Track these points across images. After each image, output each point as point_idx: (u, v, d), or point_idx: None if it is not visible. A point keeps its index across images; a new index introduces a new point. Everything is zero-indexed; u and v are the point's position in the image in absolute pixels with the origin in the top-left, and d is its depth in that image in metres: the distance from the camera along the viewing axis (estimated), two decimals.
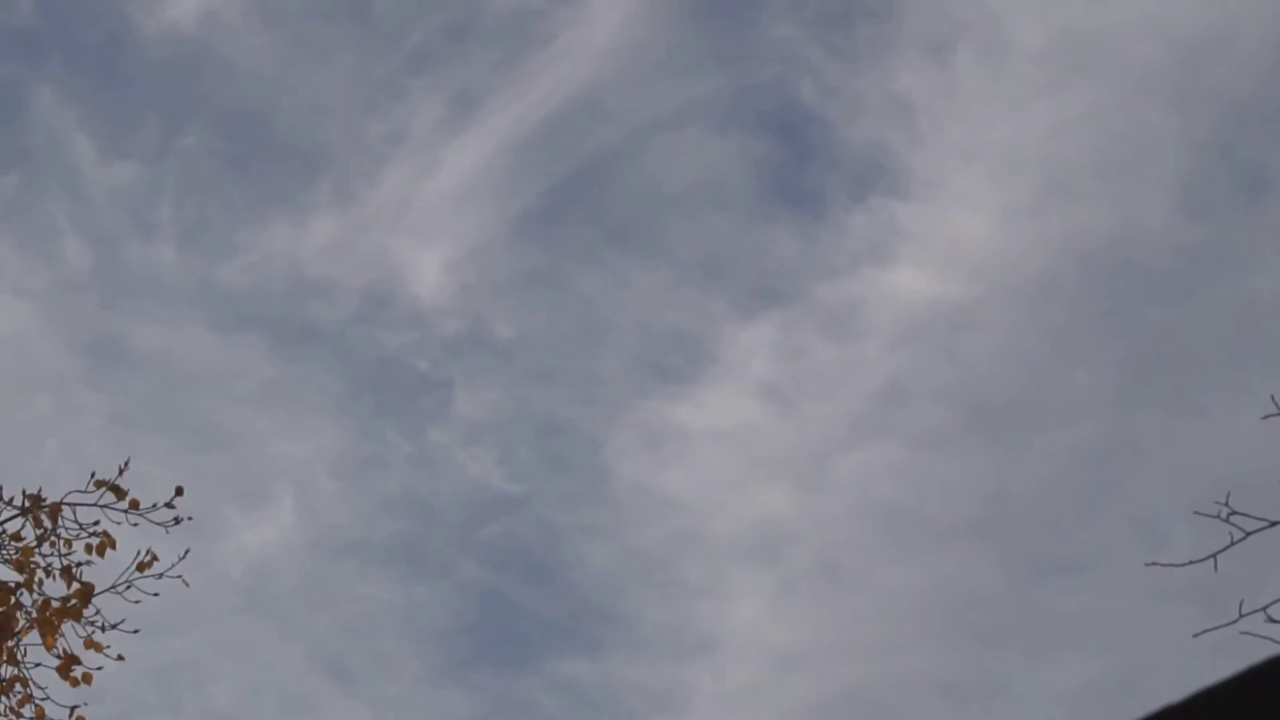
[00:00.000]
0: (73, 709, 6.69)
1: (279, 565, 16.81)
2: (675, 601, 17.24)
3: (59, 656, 6.62)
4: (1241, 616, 4.10)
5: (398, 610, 16.98)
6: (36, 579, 6.64)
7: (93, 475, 6.72)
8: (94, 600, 6.71)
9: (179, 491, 6.80)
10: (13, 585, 6.57)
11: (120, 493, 6.71)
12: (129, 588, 6.82)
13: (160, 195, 17.46)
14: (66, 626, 6.66)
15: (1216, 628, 4.16)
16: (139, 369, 17.63)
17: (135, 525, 6.76)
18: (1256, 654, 1.79)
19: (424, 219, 17.81)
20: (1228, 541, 4.31)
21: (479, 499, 17.36)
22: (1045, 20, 16.81)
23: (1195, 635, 4.24)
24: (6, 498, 6.64)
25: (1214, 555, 4.32)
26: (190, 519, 6.84)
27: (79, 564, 6.70)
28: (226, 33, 17.22)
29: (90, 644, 6.70)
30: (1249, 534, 4.27)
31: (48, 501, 6.66)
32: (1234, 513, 4.30)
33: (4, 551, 6.65)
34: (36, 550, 6.65)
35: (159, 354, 17.55)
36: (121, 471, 6.74)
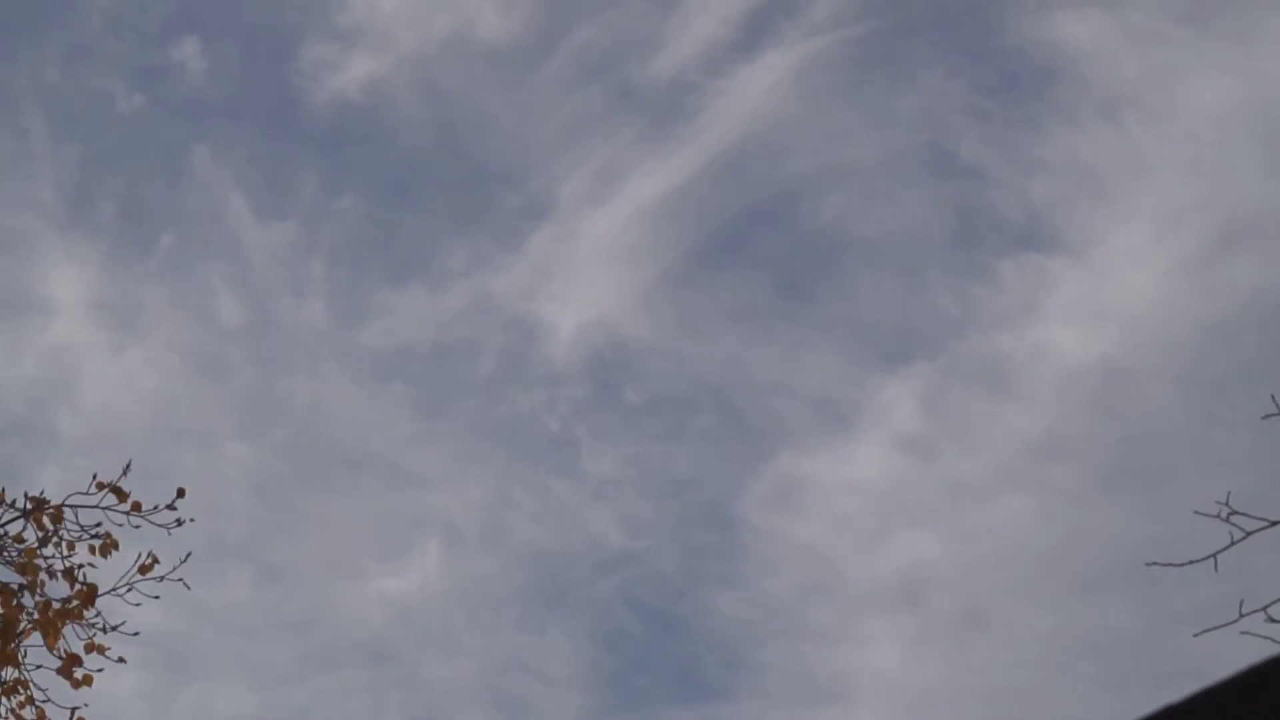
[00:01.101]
0: (73, 710, 6.70)
1: (414, 612, 17.41)
2: (807, 648, 17.44)
3: (60, 658, 6.62)
4: (1241, 616, 4.11)
5: (530, 660, 17.45)
6: (39, 581, 6.64)
7: (94, 477, 6.73)
8: (95, 603, 6.72)
9: (180, 493, 6.81)
10: (15, 587, 6.58)
11: (122, 495, 6.71)
12: (130, 590, 6.83)
13: (313, 255, 18.20)
14: (68, 629, 6.66)
15: (1216, 628, 4.16)
16: (285, 422, 18.35)
17: (137, 527, 6.77)
18: (1256, 654, 1.79)
19: (562, 284, 18.41)
20: (1228, 541, 4.31)
21: (607, 552, 17.81)
22: (1214, 80, 16.84)
23: (1195, 635, 4.24)
24: (9, 500, 6.65)
25: (1214, 555, 4.32)
26: (192, 520, 6.86)
27: (81, 566, 6.71)
28: (390, 102, 18.05)
29: (91, 647, 6.71)
30: (1249, 534, 4.28)
31: (50, 504, 6.67)
32: (1234, 512, 4.30)
33: (6, 554, 6.65)
34: (39, 552, 6.66)
35: (305, 408, 18.27)
36: (124, 473, 6.75)
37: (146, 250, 17.94)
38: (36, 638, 6.63)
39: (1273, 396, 4.54)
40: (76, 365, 17.30)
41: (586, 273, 18.45)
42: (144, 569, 6.82)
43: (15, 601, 6.57)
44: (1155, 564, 4.53)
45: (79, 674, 6.66)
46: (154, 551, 6.86)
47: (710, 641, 17.39)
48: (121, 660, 6.77)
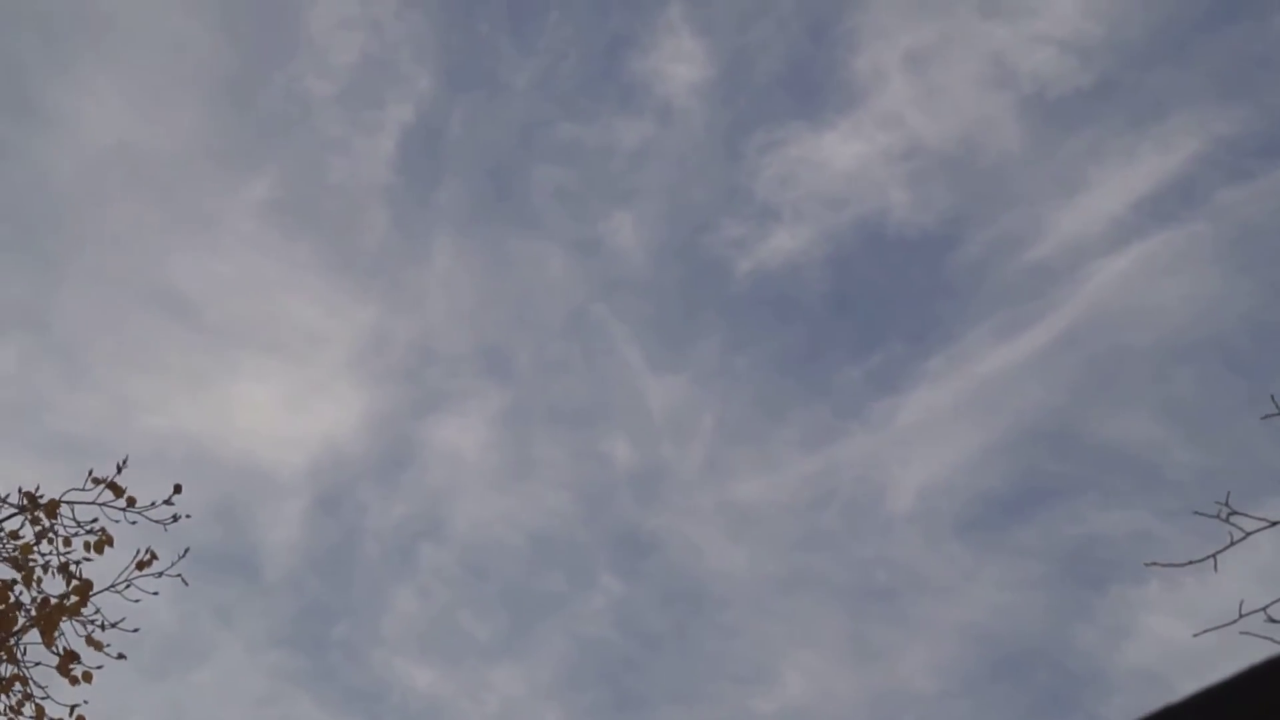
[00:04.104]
0: (73, 708, 6.69)
1: None
2: None
3: (58, 654, 6.61)
4: (1241, 616, 4.10)
5: None
6: (35, 577, 6.63)
7: (90, 472, 6.72)
8: (93, 599, 6.71)
9: (177, 489, 6.80)
10: (9, 582, 6.57)
11: (118, 490, 6.70)
12: (128, 586, 6.82)
13: (704, 408, 20.31)
14: (66, 625, 6.65)
15: (1216, 628, 4.15)
16: (658, 560, 20.12)
17: (134, 523, 6.76)
18: (1256, 654, 1.78)
19: (909, 448, 20.10)
20: (1227, 541, 4.30)
21: (929, 690, 18.82)
22: None
23: (1195, 635, 4.23)
24: (3, 496, 6.64)
25: (1214, 555, 4.31)
26: (189, 516, 6.84)
27: (77, 561, 6.70)
28: (803, 276, 19.99)
29: (91, 642, 6.70)
30: (1249, 534, 4.26)
31: (46, 499, 6.66)
32: (1234, 513, 4.29)
33: (2, 549, 6.64)
34: (35, 548, 6.65)
35: (678, 549, 20.03)
36: (120, 469, 6.74)
37: (546, 398, 20.34)
38: (35, 634, 6.63)
39: (1273, 397, 4.52)
40: (452, 502, 19.73)
41: (929, 437, 20.19)
42: (141, 565, 6.81)
43: (12, 598, 6.57)
44: (1155, 564, 4.51)
45: (77, 671, 6.65)
46: (152, 548, 6.86)
47: None
48: (121, 656, 6.76)
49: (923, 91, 19.63)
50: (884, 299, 20.72)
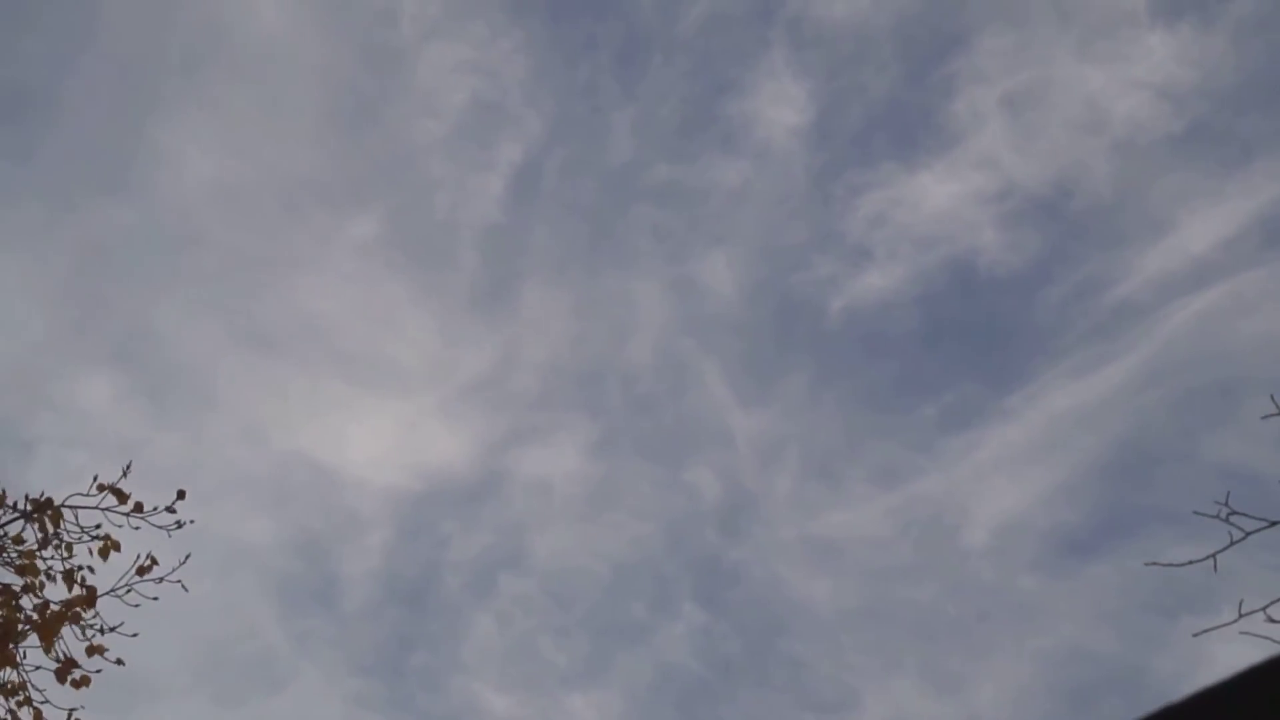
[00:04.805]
0: (70, 711, 6.69)
1: None
2: None
3: (58, 660, 6.61)
4: (1241, 616, 4.11)
5: None
6: (38, 583, 6.63)
7: (95, 479, 6.71)
8: (95, 605, 6.70)
9: (181, 495, 6.80)
10: (17, 590, 6.57)
11: (123, 496, 6.70)
12: (129, 591, 6.82)
13: (789, 442, 20.79)
14: (65, 629, 6.65)
15: (1216, 627, 4.16)
16: (741, 591, 20.73)
17: (137, 529, 6.76)
18: (1257, 654, 1.79)
19: (985, 483, 20.36)
20: (1227, 541, 4.31)
21: None
22: None
23: (1195, 635, 4.24)
24: (9, 502, 6.64)
25: (1214, 555, 4.32)
26: (192, 522, 6.84)
27: (80, 568, 6.70)
28: (893, 314, 20.49)
29: (92, 650, 6.69)
30: (1249, 534, 4.28)
31: (55, 503, 6.65)
32: (1234, 513, 4.30)
33: (6, 555, 6.64)
34: (38, 554, 6.64)
35: (761, 580, 20.64)
36: (125, 474, 6.74)
37: (635, 431, 20.92)
38: (35, 638, 6.63)
39: (1272, 397, 4.54)
40: (539, 532, 20.26)
41: (1006, 471, 20.50)
42: (142, 570, 6.81)
43: (14, 603, 6.56)
44: (1155, 564, 4.52)
45: (76, 675, 6.65)
46: (153, 553, 6.86)
47: None
48: (120, 663, 6.76)
49: (1018, 134, 20.10)
50: (972, 337, 21.30)
